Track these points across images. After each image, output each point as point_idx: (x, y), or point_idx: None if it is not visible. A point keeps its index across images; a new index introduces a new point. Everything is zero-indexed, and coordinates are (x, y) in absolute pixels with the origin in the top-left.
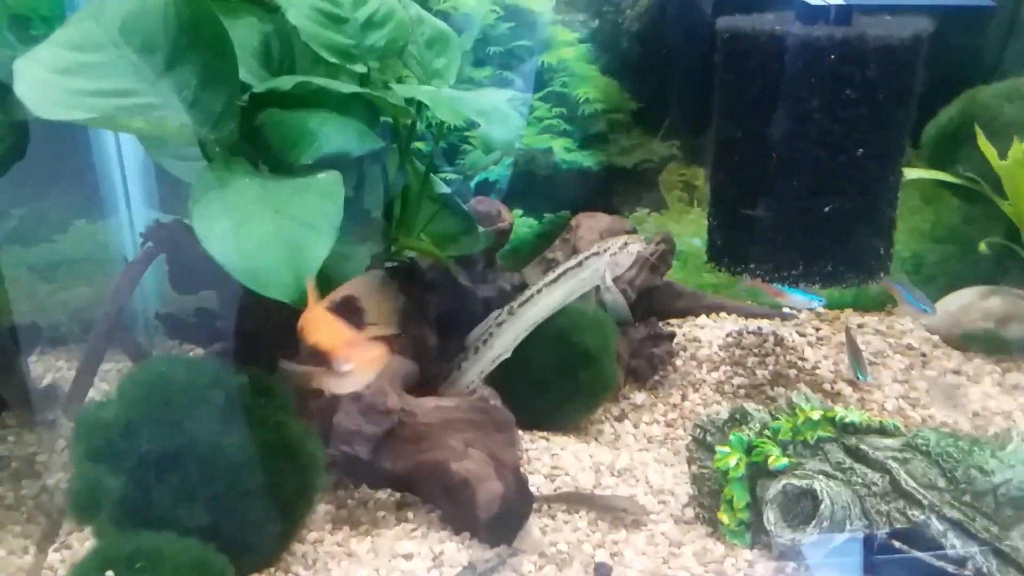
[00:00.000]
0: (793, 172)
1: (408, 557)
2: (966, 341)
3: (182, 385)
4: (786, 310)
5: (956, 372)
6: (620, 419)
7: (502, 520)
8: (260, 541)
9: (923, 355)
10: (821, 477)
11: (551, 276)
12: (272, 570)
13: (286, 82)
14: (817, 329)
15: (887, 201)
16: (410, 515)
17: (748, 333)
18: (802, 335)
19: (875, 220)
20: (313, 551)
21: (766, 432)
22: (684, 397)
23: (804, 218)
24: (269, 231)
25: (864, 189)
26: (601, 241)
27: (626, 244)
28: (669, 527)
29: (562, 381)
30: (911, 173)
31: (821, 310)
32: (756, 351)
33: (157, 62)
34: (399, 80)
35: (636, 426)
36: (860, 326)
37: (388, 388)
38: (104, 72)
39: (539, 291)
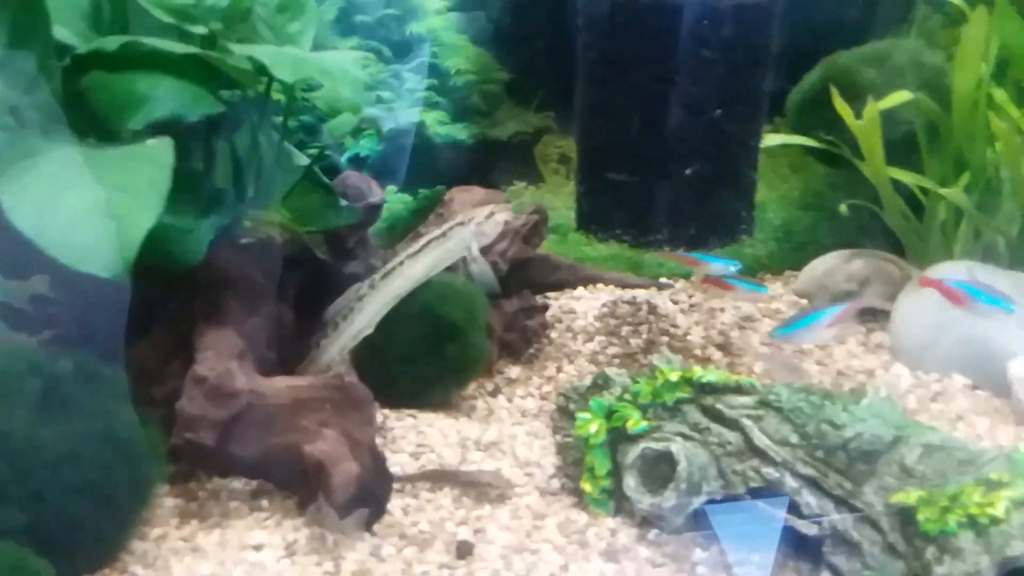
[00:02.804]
0: (653, 135)
1: (258, 548)
2: (832, 303)
3: None
4: (663, 280)
5: None
6: (494, 394)
7: (360, 502)
8: (88, 541)
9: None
10: (678, 439)
11: (414, 247)
12: (107, 571)
13: (112, 43)
14: (690, 296)
15: (747, 164)
16: (264, 503)
17: (623, 303)
18: (675, 303)
19: (736, 183)
20: (155, 548)
21: (626, 396)
22: (559, 369)
23: (667, 182)
24: (87, 201)
25: (724, 151)
26: (467, 211)
27: (492, 214)
28: (534, 499)
29: (429, 356)
30: (774, 139)
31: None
32: (630, 320)
33: None
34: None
35: (510, 400)
36: None
37: (236, 369)
38: None
39: (401, 263)
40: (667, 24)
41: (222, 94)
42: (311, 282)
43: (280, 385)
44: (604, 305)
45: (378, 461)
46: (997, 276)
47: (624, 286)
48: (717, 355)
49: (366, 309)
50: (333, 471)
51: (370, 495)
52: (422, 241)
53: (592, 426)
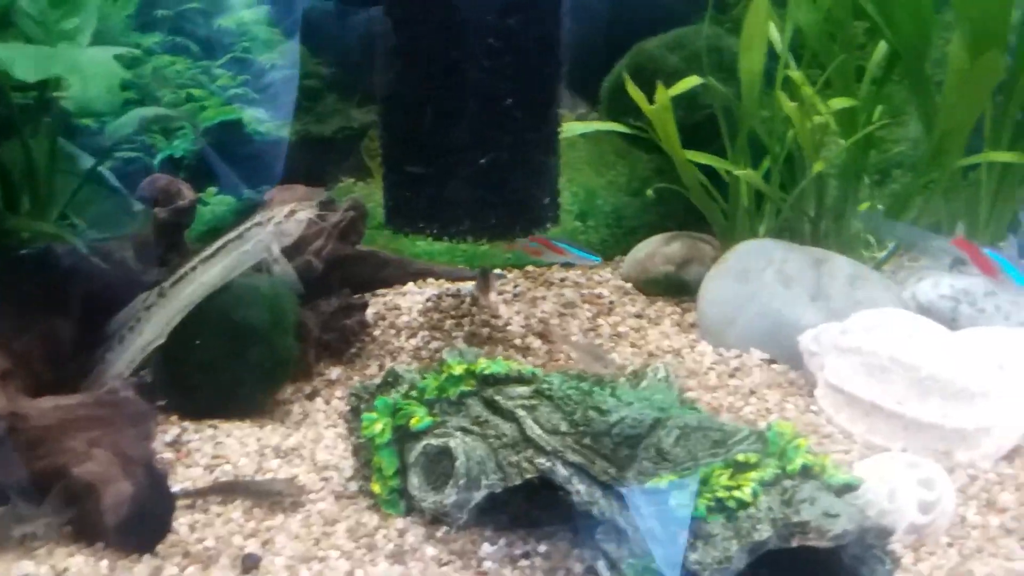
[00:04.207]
0: (448, 127)
1: None
2: (651, 285)
3: None
4: (497, 271)
5: (638, 316)
6: (311, 396)
7: (136, 523)
8: None
9: (611, 303)
10: (458, 434)
11: (208, 251)
12: None
13: None
14: (515, 286)
15: (545, 152)
16: (33, 531)
17: (447, 296)
18: (500, 293)
19: (535, 171)
20: None
21: (412, 393)
22: (382, 367)
23: (464, 172)
24: None
25: (519, 140)
26: (264, 211)
27: (293, 212)
28: (328, 505)
29: (230, 363)
30: (579, 126)
31: (530, 269)
32: (454, 313)
33: None
34: None
35: (328, 402)
36: (562, 280)
37: None
38: None
39: (193, 268)
40: (455, 14)
41: None
42: (105, 292)
43: (46, 406)
44: (429, 300)
45: (155, 479)
46: (793, 252)
47: (455, 279)
48: (536, 343)
49: (155, 319)
50: (104, 493)
51: (148, 515)
52: (217, 244)
53: (377, 425)
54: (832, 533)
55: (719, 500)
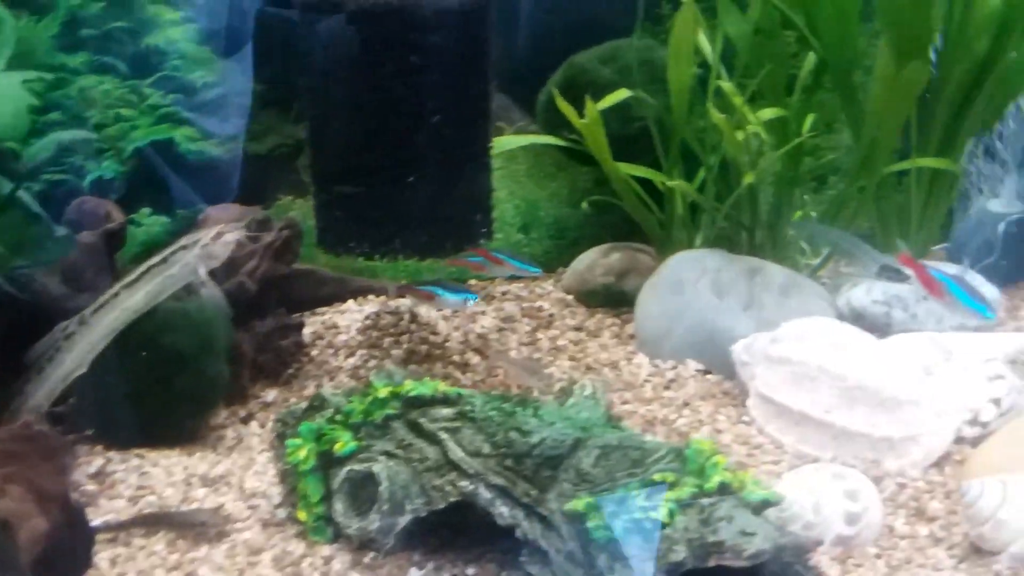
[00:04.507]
0: (374, 145)
1: None
2: (591, 297)
3: None
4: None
5: (578, 328)
6: (246, 420)
7: (53, 560)
8: None
9: (551, 316)
10: (382, 458)
11: (131, 276)
12: None
13: None
14: None
15: (475, 167)
16: None
17: (385, 313)
18: (439, 309)
19: (465, 187)
20: None
21: (338, 417)
22: (320, 387)
23: (392, 191)
24: None
25: (448, 157)
26: (190, 233)
27: (220, 234)
28: (254, 534)
29: (156, 390)
30: (519, 140)
31: (473, 283)
32: (392, 331)
33: None
34: None
35: (263, 425)
36: (504, 293)
37: None
38: None
39: (116, 295)
40: (376, 32)
41: None
42: (22, 322)
43: None
44: (368, 317)
45: (72, 514)
46: (727, 261)
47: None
48: (475, 360)
49: (76, 348)
50: (19, 530)
51: (65, 551)
52: (140, 268)
53: (302, 452)
54: (748, 552)
55: (636, 521)
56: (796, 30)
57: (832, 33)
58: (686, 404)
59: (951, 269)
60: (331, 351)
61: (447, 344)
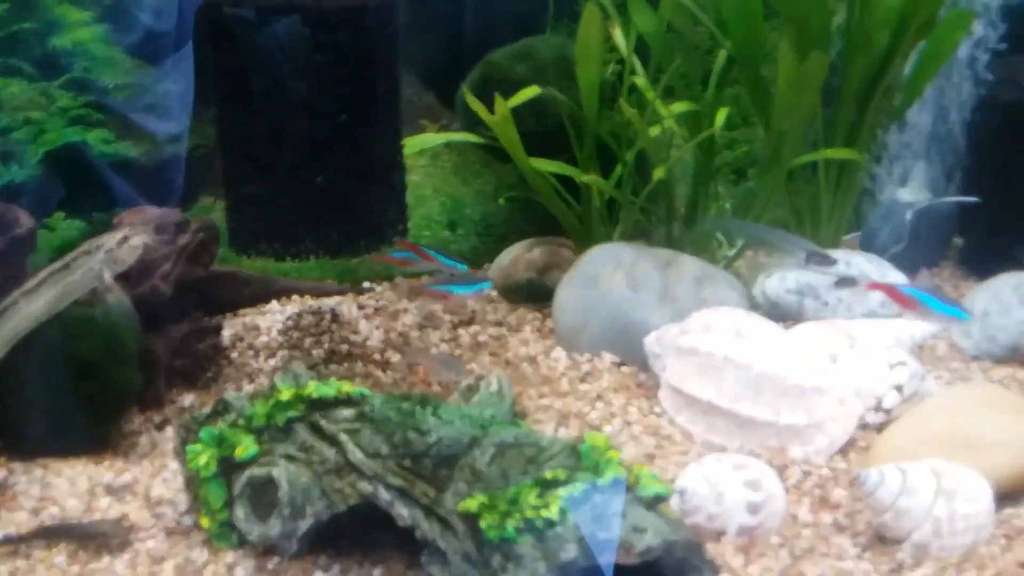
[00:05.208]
0: (280, 145)
1: None
2: (514, 292)
3: None
4: (366, 284)
5: (499, 324)
6: (161, 427)
7: None
8: None
9: (473, 312)
10: (283, 462)
11: (30, 284)
12: None
13: None
14: (377, 300)
15: (386, 166)
16: None
17: (307, 313)
18: (361, 308)
19: (376, 186)
20: None
21: (240, 421)
22: (239, 391)
23: (300, 190)
24: None
25: (357, 156)
26: (93, 238)
27: (126, 238)
28: (157, 543)
29: (61, 398)
30: (437, 138)
31: (399, 281)
32: (313, 331)
33: None
34: None
35: None
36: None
37: None
38: None
39: (14, 303)
40: (281, 31)
41: None
42: None
43: None
44: (289, 318)
45: None
46: (642, 255)
47: (320, 295)
48: (396, 358)
49: None
50: None
51: None
52: (40, 275)
53: (202, 458)
54: (637, 549)
55: (528, 520)
56: (705, 26)
57: (739, 28)
58: (599, 397)
59: (922, 282)
60: (251, 353)
61: (368, 343)
